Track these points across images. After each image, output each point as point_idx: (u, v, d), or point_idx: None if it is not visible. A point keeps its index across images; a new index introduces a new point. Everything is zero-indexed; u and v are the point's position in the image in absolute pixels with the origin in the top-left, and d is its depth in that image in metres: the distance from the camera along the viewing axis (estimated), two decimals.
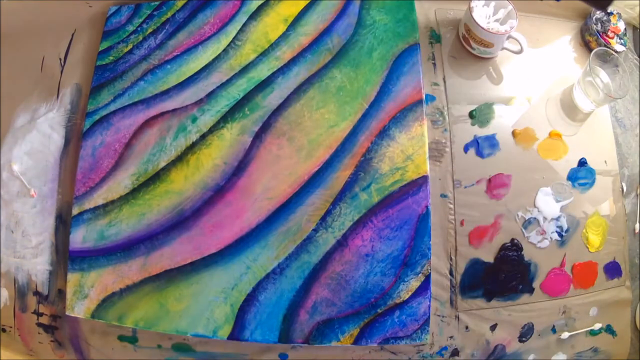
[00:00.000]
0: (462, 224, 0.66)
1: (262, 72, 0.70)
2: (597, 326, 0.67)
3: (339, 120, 0.67)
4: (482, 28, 0.66)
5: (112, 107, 0.70)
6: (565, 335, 0.66)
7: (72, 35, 0.76)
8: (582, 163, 0.69)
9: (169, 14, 0.75)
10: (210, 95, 0.70)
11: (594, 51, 0.67)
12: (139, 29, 0.75)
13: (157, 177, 0.67)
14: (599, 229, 0.68)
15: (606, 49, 0.69)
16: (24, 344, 0.68)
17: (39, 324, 0.67)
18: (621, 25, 0.75)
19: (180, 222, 0.65)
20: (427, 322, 0.61)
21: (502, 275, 0.65)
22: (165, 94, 0.70)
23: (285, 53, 0.71)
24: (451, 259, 0.65)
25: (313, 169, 0.66)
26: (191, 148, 0.68)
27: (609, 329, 0.68)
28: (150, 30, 0.74)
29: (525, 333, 0.66)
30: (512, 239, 0.66)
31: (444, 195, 0.67)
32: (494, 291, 0.65)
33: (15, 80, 0.75)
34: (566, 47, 0.76)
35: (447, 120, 0.69)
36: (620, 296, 0.69)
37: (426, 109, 0.68)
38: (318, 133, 0.67)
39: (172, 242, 0.64)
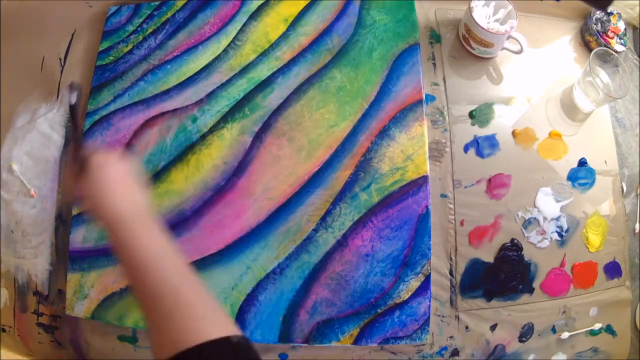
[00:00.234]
0: (462, 224, 0.66)
1: (262, 72, 0.70)
2: (597, 326, 0.67)
3: (339, 120, 0.67)
4: (482, 28, 0.66)
5: (112, 107, 0.70)
6: (565, 335, 0.66)
7: (72, 35, 0.76)
8: (582, 163, 0.69)
9: (169, 14, 0.75)
10: (211, 95, 0.70)
11: (594, 51, 0.67)
12: (139, 29, 0.75)
13: (157, 177, 0.67)
14: (599, 229, 0.68)
15: (606, 49, 0.69)
16: (23, 344, 0.68)
17: (39, 324, 0.67)
18: (621, 25, 0.75)
19: (180, 222, 0.65)
20: (427, 322, 0.61)
21: (502, 275, 0.65)
22: (166, 94, 0.70)
23: (285, 53, 0.71)
24: (451, 259, 0.65)
25: (313, 169, 0.66)
26: (191, 148, 0.68)
27: (609, 329, 0.68)
28: (150, 30, 0.74)
29: (525, 333, 0.66)
30: (512, 239, 0.66)
31: (444, 195, 0.67)
32: (494, 291, 0.65)
33: (15, 80, 0.75)
34: (566, 47, 0.76)
35: (447, 120, 0.69)
36: (620, 296, 0.69)
37: (426, 109, 0.68)
38: (318, 133, 0.67)
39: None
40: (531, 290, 0.66)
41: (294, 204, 0.65)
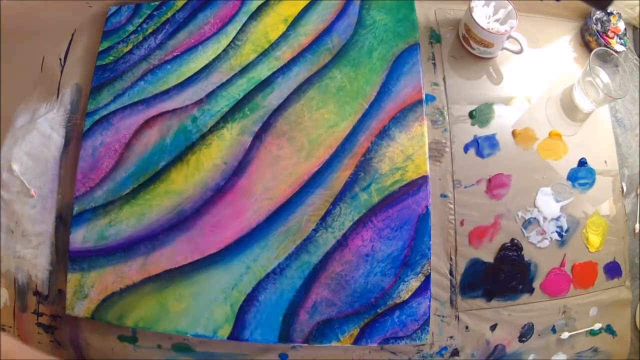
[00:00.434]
0: (462, 224, 0.66)
1: (262, 72, 0.70)
2: (597, 326, 0.67)
3: (339, 120, 0.67)
4: (482, 28, 0.66)
5: (112, 107, 0.70)
6: (565, 335, 0.66)
7: (72, 35, 0.76)
8: (582, 163, 0.69)
9: (169, 14, 0.75)
10: (210, 95, 0.70)
11: (594, 51, 0.67)
12: (139, 29, 0.75)
13: (157, 177, 0.67)
14: (599, 229, 0.68)
15: (606, 49, 0.69)
16: (23, 344, 0.68)
17: (39, 324, 0.67)
18: (621, 25, 0.75)
19: (181, 222, 0.65)
20: (427, 322, 0.61)
21: (502, 275, 0.65)
22: (165, 94, 0.70)
23: (285, 53, 0.71)
24: (451, 259, 0.65)
25: (313, 169, 0.66)
26: (191, 148, 0.68)
27: (609, 329, 0.68)
28: (150, 30, 0.74)
29: (525, 333, 0.66)
30: (512, 239, 0.66)
31: (444, 195, 0.67)
32: (494, 291, 0.65)
33: (15, 80, 0.75)
34: (566, 47, 0.76)
35: (447, 120, 0.69)
36: (620, 296, 0.69)
37: (426, 109, 0.68)
38: (318, 133, 0.67)
39: (172, 242, 0.64)
40: (531, 290, 0.66)
41: (294, 204, 0.65)
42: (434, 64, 0.72)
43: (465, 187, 0.67)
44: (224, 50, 0.72)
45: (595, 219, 0.68)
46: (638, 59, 0.78)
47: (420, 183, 0.65)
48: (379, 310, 0.61)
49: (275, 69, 0.70)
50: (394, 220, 0.64)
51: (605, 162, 0.71)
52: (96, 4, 0.78)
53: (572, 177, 0.69)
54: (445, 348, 0.64)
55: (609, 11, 0.74)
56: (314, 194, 0.65)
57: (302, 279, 0.63)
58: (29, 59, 0.76)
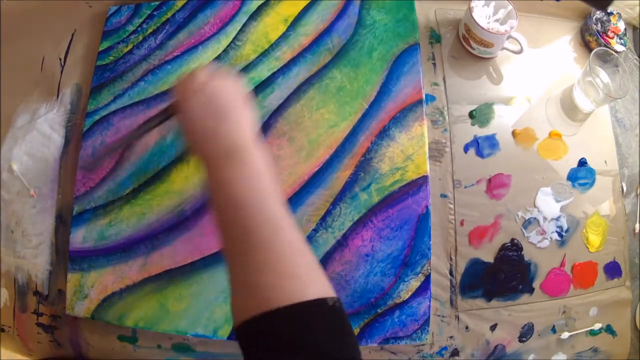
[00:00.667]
0: (462, 224, 0.66)
1: (262, 72, 0.70)
2: (597, 326, 0.67)
3: (339, 120, 0.67)
4: (482, 28, 0.66)
5: (112, 107, 0.70)
6: (565, 335, 0.66)
7: (72, 35, 0.76)
8: (582, 163, 0.69)
9: (169, 14, 0.75)
10: None
11: (594, 51, 0.67)
12: (139, 29, 0.75)
13: (157, 177, 0.67)
14: (599, 229, 0.68)
15: (606, 49, 0.69)
16: (23, 344, 0.68)
17: (39, 324, 0.67)
18: (621, 25, 0.75)
19: (181, 222, 0.65)
20: (427, 322, 0.61)
21: (502, 275, 0.65)
22: (166, 94, 0.70)
23: (285, 53, 0.71)
24: (451, 259, 0.65)
25: (313, 169, 0.66)
26: None
27: (609, 329, 0.68)
28: (150, 30, 0.74)
29: (525, 333, 0.66)
30: (512, 239, 0.66)
31: (444, 195, 0.67)
32: (494, 291, 0.65)
33: (15, 80, 0.75)
34: (566, 47, 0.76)
35: (447, 120, 0.69)
36: (620, 296, 0.69)
37: (426, 109, 0.68)
38: (318, 133, 0.67)
39: (172, 242, 0.64)
40: (531, 290, 0.66)
41: (294, 204, 0.65)
42: (434, 64, 0.72)
43: (465, 187, 0.67)
44: (224, 50, 0.72)
45: (595, 219, 0.68)
46: (638, 59, 0.78)
47: (420, 183, 0.65)
48: (379, 310, 0.61)
49: (275, 69, 0.70)
50: (394, 220, 0.64)
51: (605, 162, 0.71)
52: (96, 4, 0.78)
53: (572, 177, 0.69)
54: (445, 348, 0.64)
55: (609, 11, 0.74)
56: (314, 194, 0.65)
57: None
58: (29, 59, 0.76)
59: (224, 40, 0.72)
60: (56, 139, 0.71)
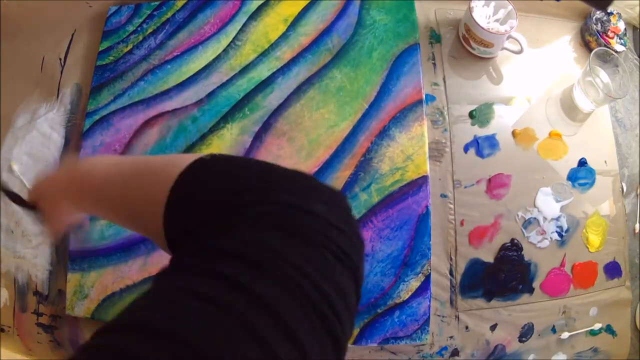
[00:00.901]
0: (462, 224, 0.66)
1: (262, 72, 0.70)
2: (597, 326, 0.67)
3: (339, 120, 0.67)
4: (482, 28, 0.66)
5: (112, 107, 0.70)
6: (565, 335, 0.66)
7: (72, 35, 0.76)
8: (582, 163, 0.69)
9: (169, 14, 0.75)
10: (211, 95, 0.70)
11: (594, 51, 0.67)
12: (139, 29, 0.75)
13: None
14: (599, 229, 0.68)
15: (606, 49, 0.69)
16: (23, 344, 0.68)
17: (39, 324, 0.67)
18: (621, 25, 0.74)
19: None
20: (427, 322, 0.61)
21: (502, 275, 0.65)
22: (166, 94, 0.70)
23: (285, 53, 0.71)
24: (451, 259, 0.65)
25: (313, 169, 0.66)
26: (191, 148, 0.68)
27: (609, 329, 0.68)
28: (150, 30, 0.74)
29: (525, 333, 0.66)
30: (512, 239, 0.66)
31: (444, 195, 0.67)
32: (494, 291, 0.65)
33: (15, 80, 0.75)
34: (566, 47, 0.76)
35: (447, 120, 0.69)
36: (620, 296, 0.69)
37: (426, 109, 0.68)
38: (318, 133, 0.67)
39: None
40: (531, 290, 0.66)
41: None
42: (434, 64, 0.72)
43: (465, 187, 0.67)
44: (224, 50, 0.72)
45: (595, 219, 0.68)
46: (638, 59, 0.77)
47: (420, 183, 0.64)
48: (379, 310, 0.61)
49: (275, 69, 0.70)
50: (394, 220, 0.63)
51: (605, 162, 0.71)
52: (96, 4, 0.78)
53: (572, 177, 0.69)
54: (445, 348, 0.64)
55: (609, 11, 0.74)
56: None
57: None
58: (29, 59, 0.76)
59: (224, 40, 0.72)
60: (56, 139, 0.71)
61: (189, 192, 0.32)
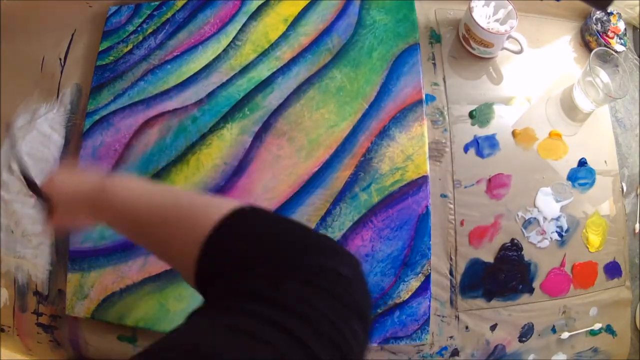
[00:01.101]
0: (462, 224, 0.66)
1: (262, 72, 0.70)
2: (597, 326, 0.67)
3: (339, 120, 0.67)
4: (482, 28, 0.66)
5: (112, 107, 0.70)
6: (565, 335, 0.66)
7: (72, 35, 0.76)
8: (582, 163, 0.69)
9: (169, 14, 0.75)
10: (211, 95, 0.70)
11: (594, 51, 0.67)
12: (139, 29, 0.75)
13: (157, 177, 0.67)
14: (599, 229, 0.68)
15: (606, 49, 0.69)
16: (22, 344, 0.68)
17: (39, 324, 0.67)
18: (621, 25, 0.74)
19: None
20: (427, 322, 0.61)
21: (502, 275, 0.65)
22: (166, 94, 0.70)
23: (285, 53, 0.71)
24: (451, 259, 0.65)
25: (313, 169, 0.66)
26: (191, 148, 0.68)
27: (609, 329, 0.68)
28: (150, 30, 0.74)
29: (525, 333, 0.66)
30: (512, 239, 0.66)
31: (444, 195, 0.67)
32: (494, 291, 0.65)
33: (15, 80, 0.75)
34: (566, 47, 0.76)
35: (447, 120, 0.69)
36: (620, 296, 0.69)
37: (426, 109, 0.68)
38: (318, 133, 0.67)
39: None
40: (531, 290, 0.66)
41: (294, 204, 0.65)
42: (434, 64, 0.72)
43: (465, 187, 0.67)
44: (224, 50, 0.72)
45: (595, 219, 0.68)
46: (638, 59, 0.77)
47: (420, 183, 0.64)
48: (379, 310, 0.61)
49: (275, 69, 0.70)
50: (394, 220, 0.63)
51: (605, 162, 0.71)
52: (96, 4, 0.78)
53: (572, 177, 0.69)
54: (445, 348, 0.64)
55: (609, 11, 0.74)
56: (314, 194, 0.65)
57: None
58: (29, 59, 0.76)
59: (224, 40, 0.72)
60: (56, 139, 0.71)
61: (232, 241, 0.33)
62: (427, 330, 0.61)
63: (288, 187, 0.65)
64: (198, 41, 0.73)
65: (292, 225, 0.36)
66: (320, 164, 0.66)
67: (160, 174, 0.67)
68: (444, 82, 0.71)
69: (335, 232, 0.64)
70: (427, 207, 0.64)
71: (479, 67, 0.72)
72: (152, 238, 0.40)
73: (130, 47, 0.74)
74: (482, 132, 0.69)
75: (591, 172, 0.69)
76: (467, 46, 0.71)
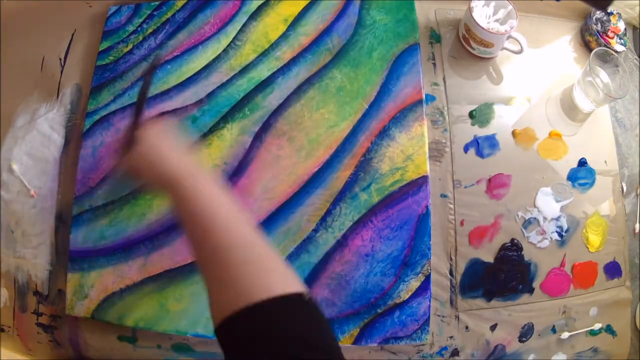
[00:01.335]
0: (462, 224, 0.66)
1: (262, 72, 0.70)
2: (597, 326, 0.67)
3: (339, 120, 0.67)
4: (482, 28, 0.66)
5: (112, 107, 0.70)
6: (565, 335, 0.66)
7: (72, 35, 0.76)
8: (582, 163, 0.69)
9: (169, 14, 0.75)
10: (211, 95, 0.70)
11: (594, 51, 0.67)
12: (139, 29, 0.75)
13: None
14: (599, 229, 0.68)
15: (606, 49, 0.69)
16: (22, 344, 0.68)
17: (39, 324, 0.67)
18: (621, 25, 0.75)
19: None
20: (427, 322, 0.61)
21: (502, 275, 0.65)
22: (165, 94, 0.70)
23: (285, 53, 0.71)
24: (451, 259, 0.65)
25: (313, 169, 0.66)
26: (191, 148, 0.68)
27: (609, 329, 0.68)
28: (150, 30, 0.74)
29: (525, 333, 0.66)
30: (512, 239, 0.66)
31: (444, 195, 0.67)
32: (494, 291, 0.65)
33: (15, 80, 0.75)
34: (566, 47, 0.76)
35: (447, 120, 0.69)
36: (620, 296, 0.69)
37: (426, 109, 0.68)
38: (318, 133, 0.67)
39: (172, 242, 0.64)
40: (531, 290, 0.66)
41: (294, 204, 0.65)
42: (434, 64, 0.72)
43: (465, 187, 0.67)
44: (224, 50, 0.72)
45: (595, 219, 0.68)
46: (638, 59, 0.78)
47: (420, 183, 0.65)
48: (379, 310, 0.61)
49: (275, 69, 0.70)
50: (394, 220, 0.64)
51: (605, 162, 0.71)
52: (96, 4, 0.78)
53: (572, 177, 0.69)
54: (445, 348, 0.64)
55: (609, 11, 0.74)
56: (314, 194, 0.65)
57: (302, 278, 0.63)
58: (29, 59, 0.76)
59: (224, 40, 0.72)
60: (56, 139, 0.71)
61: (263, 326, 0.34)
62: (427, 330, 0.61)
63: (288, 187, 0.65)
64: (198, 41, 0.73)
65: (325, 335, 0.36)
66: (320, 164, 0.66)
67: None
68: (444, 82, 0.71)
69: (335, 232, 0.64)
70: (427, 207, 0.64)
71: (479, 67, 0.72)
72: (205, 256, 0.40)
73: (130, 47, 0.74)
74: (482, 132, 0.69)
75: (591, 172, 0.69)
76: (467, 46, 0.71)
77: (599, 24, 0.74)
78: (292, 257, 0.63)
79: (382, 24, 0.72)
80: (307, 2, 0.73)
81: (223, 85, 0.70)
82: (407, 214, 0.64)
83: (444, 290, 0.64)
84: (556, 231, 0.67)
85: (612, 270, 0.68)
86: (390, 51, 0.70)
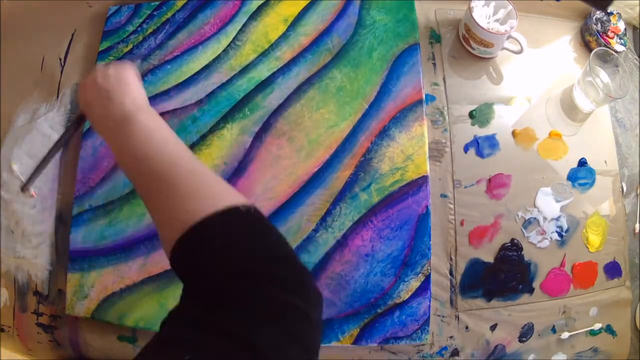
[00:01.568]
0: (462, 224, 0.66)
1: (262, 72, 0.70)
2: (597, 326, 0.67)
3: (339, 120, 0.67)
4: (482, 28, 0.66)
5: None
6: (565, 335, 0.66)
7: (72, 35, 0.76)
8: (582, 163, 0.69)
9: (169, 14, 0.75)
10: (210, 95, 0.70)
11: (594, 51, 0.67)
12: (139, 29, 0.75)
13: None
14: (599, 229, 0.68)
15: (606, 49, 0.69)
16: (22, 344, 0.68)
17: (39, 324, 0.67)
18: (621, 25, 0.75)
19: None
20: (427, 322, 0.61)
21: (502, 275, 0.65)
22: (165, 94, 0.70)
23: (285, 53, 0.71)
24: (451, 259, 0.65)
25: (313, 169, 0.66)
26: (191, 148, 0.68)
27: (609, 329, 0.68)
28: (150, 31, 0.74)
29: (525, 333, 0.66)
30: (512, 239, 0.66)
31: (444, 195, 0.67)
32: (494, 291, 0.65)
33: (15, 80, 0.75)
34: (566, 47, 0.76)
35: (447, 120, 0.69)
36: (620, 296, 0.69)
37: (426, 109, 0.68)
38: (318, 133, 0.67)
39: None
40: (531, 290, 0.66)
41: (294, 204, 0.65)
42: (434, 64, 0.72)
43: (465, 187, 0.67)
44: (224, 50, 0.72)
45: (595, 219, 0.68)
46: (638, 59, 0.78)
47: (420, 183, 0.65)
48: (379, 310, 0.61)
49: (275, 69, 0.70)
50: (394, 220, 0.64)
51: (605, 162, 0.71)
52: (96, 4, 0.78)
53: (572, 177, 0.69)
54: (445, 348, 0.64)
55: (609, 11, 0.74)
56: (314, 194, 0.65)
57: None
58: (29, 59, 0.76)
59: (224, 40, 0.72)
60: (56, 139, 0.71)
61: (215, 238, 0.35)
62: (427, 330, 0.61)
63: (288, 187, 0.65)
64: (198, 41, 0.73)
65: (278, 241, 0.37)
66: (320, 164, 0.66)
67: None
68: (444, 82, 0.71)
69: (335, 232, 0.64)
70: (427, 207, 0.64)
71: (479, 67, 0.72)
72: (149, 193, 0.41)
73: (130, 47, 0.74)
74: (482, 132, 0.69)
75: (591, 172, 0.69)
76: (467, 46, 0.71)
77: (599, 24, 0.74)
78: None
79: (382, 24, 0.72)
80: (307, 2, 0.73)
81: (223, 85, 0.70)
82: (407, 214, 0.64)
83: (444, 290, 0.64)
84: (556, 231, 0.67)
85: (612, 270, 0.68)
86: (390, 51, 0.70)
